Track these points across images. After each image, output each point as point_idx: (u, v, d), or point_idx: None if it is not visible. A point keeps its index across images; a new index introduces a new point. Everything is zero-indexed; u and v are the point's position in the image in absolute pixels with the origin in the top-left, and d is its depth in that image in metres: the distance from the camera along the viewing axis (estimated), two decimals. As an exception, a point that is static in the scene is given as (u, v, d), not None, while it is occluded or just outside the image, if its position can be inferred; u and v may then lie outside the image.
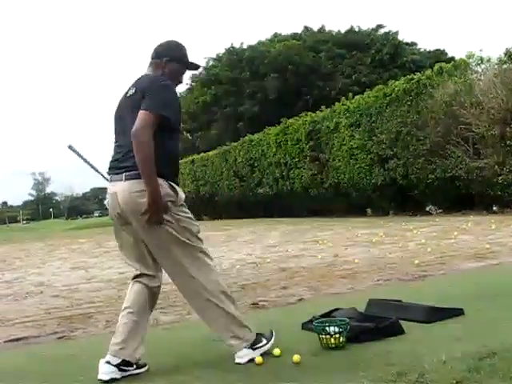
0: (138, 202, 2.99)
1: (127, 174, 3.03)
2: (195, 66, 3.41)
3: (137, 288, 3.22)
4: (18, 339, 4.55)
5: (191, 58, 3.35)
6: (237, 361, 3.13)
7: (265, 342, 3.22)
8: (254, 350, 3.15)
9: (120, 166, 3.09)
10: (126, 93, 3.19)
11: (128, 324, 3.13)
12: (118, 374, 3.02)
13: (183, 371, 3.10)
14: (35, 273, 9.61)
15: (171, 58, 3.24)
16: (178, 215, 3.08)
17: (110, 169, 3.20)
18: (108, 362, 3.04)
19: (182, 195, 3.14)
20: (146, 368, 3.18)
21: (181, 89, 50.34)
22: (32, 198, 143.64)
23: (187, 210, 3.17)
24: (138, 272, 3.22)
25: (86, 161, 3.57)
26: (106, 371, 3.02)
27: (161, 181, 2.99)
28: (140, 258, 3.21)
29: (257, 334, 3.23)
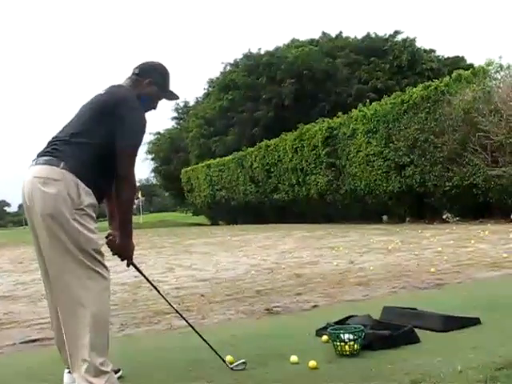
0: (38, 188, 2.69)
1: (41, 158, 2.78)
2: (174, 96, 3.22)
3: None
4: (33, 340, 4.59)
5: (176, 83, 3.20)
6: None
7: None
8: None
9: (40, 153, 2.85)
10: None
11: None
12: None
13: (198, 376, 3.10)
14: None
15: (155, 81, 3.07)
16: (79, 224, 2.69)
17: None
18: None
19: (89, 201, 2.75)
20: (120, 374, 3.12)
21: (198, 94, 50.58)
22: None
23: (89, 219, 2.74)
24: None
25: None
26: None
27: (73, 176, 2.70)
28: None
29: None
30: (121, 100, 2.88)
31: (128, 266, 3.05)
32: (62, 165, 2.71)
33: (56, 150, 2.79)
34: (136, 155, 2.89)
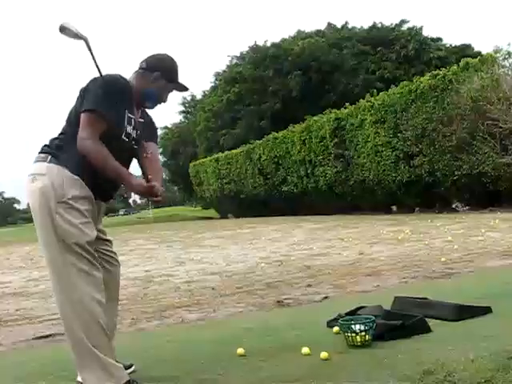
0: (27, 185, 2.78)
1: (36, 157, 2.86)
2: (183, 88, 3.15)
3: None
4: (45, 336, 4.62)
5: (183, 77, 3.12)
6: None
7: None
8: None
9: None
10: None
11: None
12: None
13: (208, 369, 3.10)
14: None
15: (162, 74, 3.00)
16: (61, 218, 2.69)
17: None
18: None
19: (74, 193, 2.73)
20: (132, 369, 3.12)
21: (205, 87, 50.65)
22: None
23: (74, 213, 2.71)
24: None
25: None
26: None
27: (59, 168, 2.73)
28: None
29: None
30: (92, 79, 2.85)
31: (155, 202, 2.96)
32: (48, 159, 2.78)
33: (47, 147, 2.86)
34: (90, 122, 2.71)
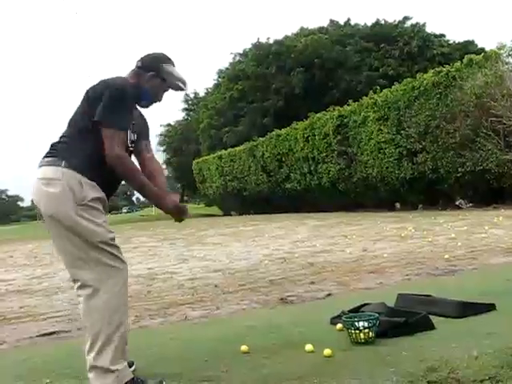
0: (42, 189, 2.77)
1: (44, 160, 2.85)
2: (179, 87, 3.11)
3: None
4: (49, 333, 4.63)
5: (185, 75, 3.09)
6: None
7: None
8: None
9: (44, 155, 2.90)
10: None
11: None
12: None
13: (211, 366, 3.10)
14: (65, 268, 9.72)
15: (157, 73, 2.99)
16: (84, 219, 2.73)
17: None
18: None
19: (93, 195, 2.77)
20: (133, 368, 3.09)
21: (208, 85, 50.66)
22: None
23: (95, 213, 2.77)
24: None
25: None
26: None
27: (73, 172, 2.75)
28: None
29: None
30: (101, 82, 2.87)
31: (179, 220, 3.08)
32: (63, 163, 2.77)
33: (56, 150, 2.85)
34: (116, 137, 2.76)
